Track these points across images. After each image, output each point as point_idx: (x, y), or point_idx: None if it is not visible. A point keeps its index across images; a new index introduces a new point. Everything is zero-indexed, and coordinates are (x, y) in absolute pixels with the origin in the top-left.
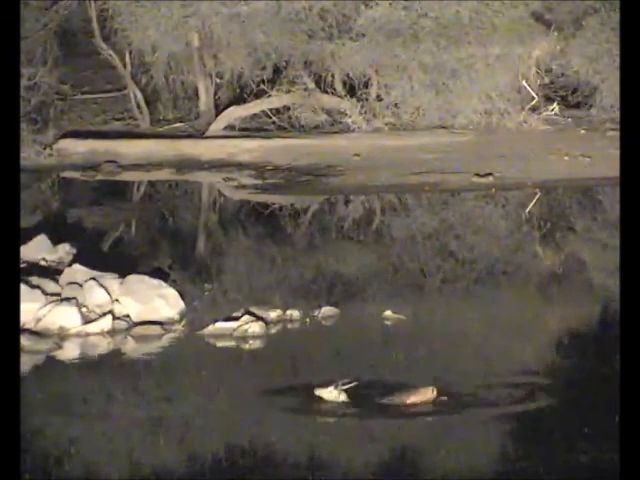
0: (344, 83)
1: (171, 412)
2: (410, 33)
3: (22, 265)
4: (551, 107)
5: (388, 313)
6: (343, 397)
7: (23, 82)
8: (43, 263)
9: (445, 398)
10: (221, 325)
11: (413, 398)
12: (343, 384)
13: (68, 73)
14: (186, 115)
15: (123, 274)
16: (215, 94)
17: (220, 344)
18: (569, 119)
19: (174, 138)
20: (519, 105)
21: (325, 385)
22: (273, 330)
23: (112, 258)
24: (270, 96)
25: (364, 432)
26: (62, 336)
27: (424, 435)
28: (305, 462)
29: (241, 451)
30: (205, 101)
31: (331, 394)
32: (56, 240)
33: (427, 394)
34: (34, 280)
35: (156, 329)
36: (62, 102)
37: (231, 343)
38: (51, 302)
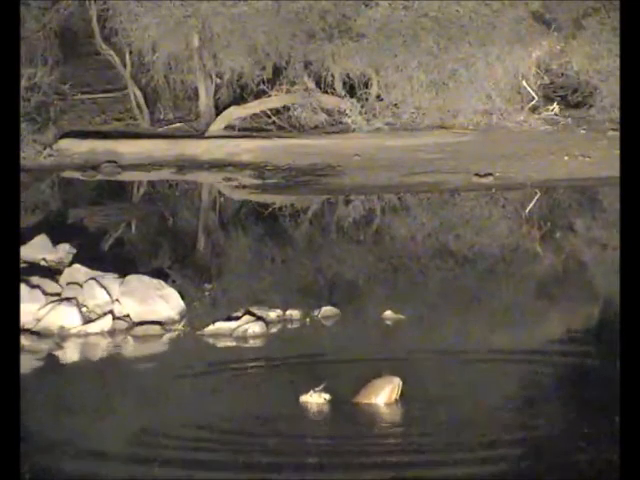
0: (344, 83)
1: (171, 412)
2: (410, 33)
3: (22, 265)
4: (551, 107)
5: (388, 313)
6: (325, 396)
7: (23, 82)
8: (43, 263)
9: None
10: (221, 325)
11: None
12: (317, 389)
13: (68, 73)
14: (186, 115)
15: (123, 274)
16: (215, 94)
17: (220, 344)
18: (569, 119)
19: (174, 138)
20: (519, 105)
21: (306, 391)
22: (273, 330)
23: (112, 258)
24: (270, 96)
25: None
26: (62, 336)
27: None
28: None
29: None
30: (205, 101)
31: (312, 398)
32: (56, 240)
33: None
34: (34, 280)
35: (156, 329)
36: (62, 102)
37: (231, 343)
38: (51, 302)
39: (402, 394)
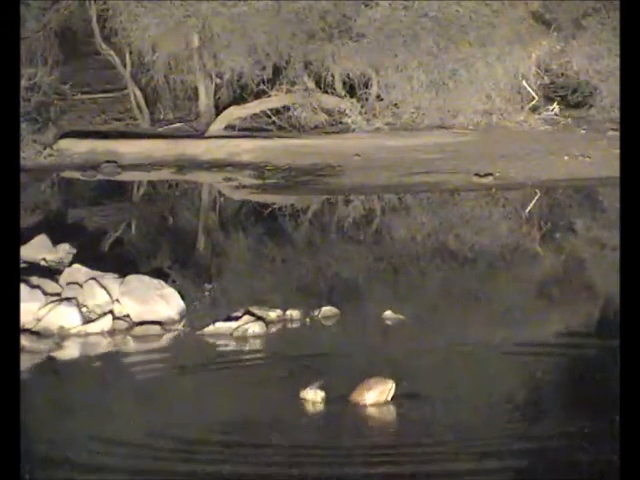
0: (344, 83)
1: (171, 412)
2: (410, 33)
3: (22, 265)
4: (551, 107)
5: (388, 313)
6: (321, 395)
7: (23, 82)
8: (43, 263)
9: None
10: (221, 325)
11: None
12: (314, 385)
13: (68, 73)
14: (186, 115)
15: (123, 274)
16: (215, 94)
17: (220, 344)
18: (569, 119)
19: (174, 138)
20: (519, 105)
21: (304, 387)
22: (273, 330)
23: (112, 258)
24: (270, 96)
25: None
26: (62, 336)
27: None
28: None
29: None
30: (205, 101)
31: (308, 394)
32: (56, 240)
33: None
34: (34, 280)
35: (156, 329)
36: (62, 102)
37: (231, 343)
38: (51, 302)
39: (402, 393)
